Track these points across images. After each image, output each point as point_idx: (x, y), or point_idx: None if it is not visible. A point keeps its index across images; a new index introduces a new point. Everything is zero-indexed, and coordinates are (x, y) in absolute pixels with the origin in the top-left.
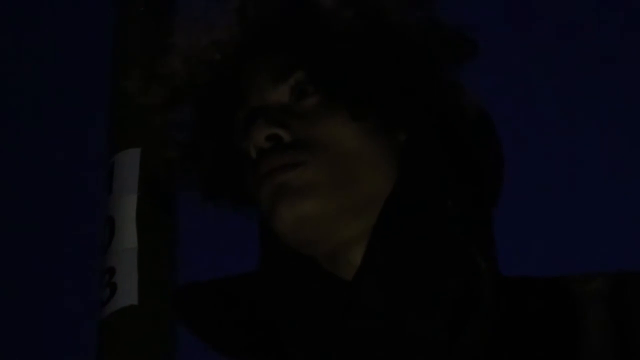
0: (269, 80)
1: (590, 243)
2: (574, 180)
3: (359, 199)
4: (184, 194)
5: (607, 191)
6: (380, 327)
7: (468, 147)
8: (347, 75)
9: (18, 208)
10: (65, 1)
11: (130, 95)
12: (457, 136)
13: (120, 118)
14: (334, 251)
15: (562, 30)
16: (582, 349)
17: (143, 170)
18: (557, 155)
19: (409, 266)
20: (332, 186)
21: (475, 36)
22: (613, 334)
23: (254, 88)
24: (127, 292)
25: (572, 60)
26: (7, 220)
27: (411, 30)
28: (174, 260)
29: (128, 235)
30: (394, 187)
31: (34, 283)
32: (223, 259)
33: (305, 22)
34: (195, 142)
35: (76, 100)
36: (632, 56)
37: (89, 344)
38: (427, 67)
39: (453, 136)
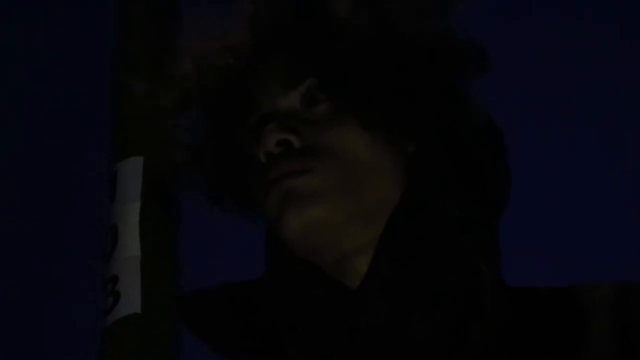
0: (280, 86)
1: (595, 251)
2: (580, 189)
3: (366, 207)
4: (187, 201)
5: (612, 200)
6: (384, 334)
7: (476, 158)
8: (358, 83)
9: (20, 215)
10: (66, 7)
11: (138, 98)
12: (465, 147)
13: (122, 126)
14: (341, 259)
15: (568, 38)
16: (587, 357)
17: (146, 179)
18: (563, 164)
19: (415, 275)
20: (340, 193)
21: (487, 48)
22: (618, 342)
23: (265, 94)
24: (131, 301)
25: (579, 69)
26: (9, 228)
27: (423, 40)
28: (178, 268)
29: (131, 244)
30: (401, 197)
31: (37, 292)
32: (226, 265)
33: (318, 29)
34: (204, 146)
35: (78, 108)
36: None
37: (92, 352)
38: (438, 78)
39: (461, 146)
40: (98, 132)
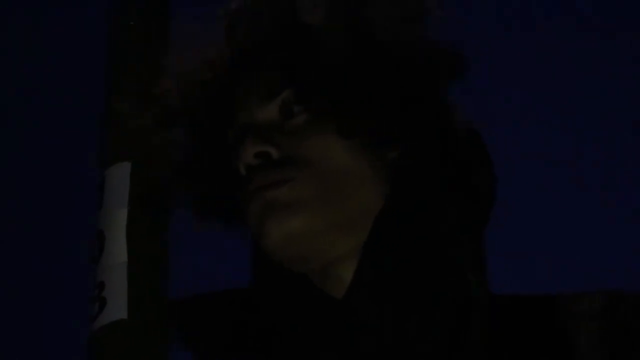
0: (257, 98)
1: (584, 259)
2: (578, 192)
3: (348, 215)
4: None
5: (609, 204)
6: (372, 343)
7: (459, 165)
8: (334, 92)
9: (9, 222)
10: (59, 15)
11: (124, 117)
12: (448, 153)
13: (111, 132)
14: (325, 268)
15: (568, 38)
16: None
17: (134, 184)
18: (561, 166)
19: (400, 283)
20: (320, 202)
21: (466, 53)
22: (606, 353)
23: (243, 106)
24: (117, 307)
25: (579, 70)
26: None
27: (400, 47)
28: (165, 274)
29: (118, 250)
30: (384, 204)
31: (24, 299)
32: (214, 271)
33: (294, 40)
34: (188, 162)
35: (68, 114)
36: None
37: (80, 358)
38: (416, 85)
39: (443, 153)
40: (87, 139)
